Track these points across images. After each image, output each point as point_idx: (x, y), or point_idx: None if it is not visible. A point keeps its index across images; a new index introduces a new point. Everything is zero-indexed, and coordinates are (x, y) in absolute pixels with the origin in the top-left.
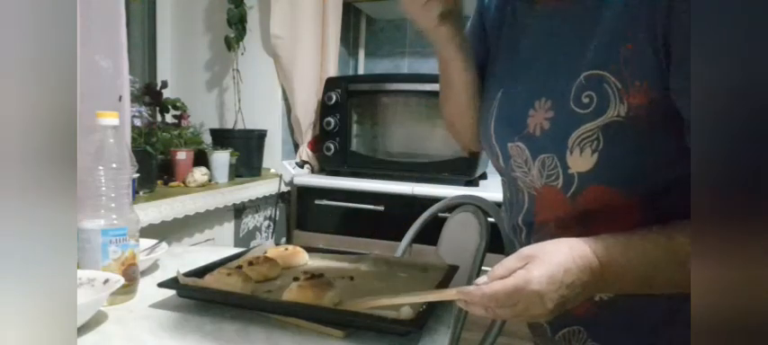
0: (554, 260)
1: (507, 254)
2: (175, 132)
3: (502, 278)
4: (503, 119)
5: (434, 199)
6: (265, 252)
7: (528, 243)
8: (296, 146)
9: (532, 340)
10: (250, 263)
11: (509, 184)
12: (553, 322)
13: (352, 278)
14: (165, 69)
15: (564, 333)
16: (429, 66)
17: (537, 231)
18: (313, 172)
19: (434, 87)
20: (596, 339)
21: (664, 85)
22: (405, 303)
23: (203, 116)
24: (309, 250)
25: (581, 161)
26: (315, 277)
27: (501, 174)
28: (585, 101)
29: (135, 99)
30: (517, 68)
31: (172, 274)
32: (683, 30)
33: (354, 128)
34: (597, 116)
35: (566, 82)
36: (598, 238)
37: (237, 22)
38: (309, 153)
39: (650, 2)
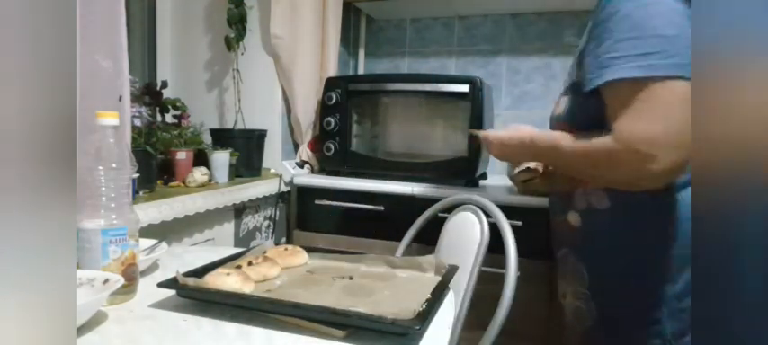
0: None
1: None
2: (175, 132)
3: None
4: None
5: (434, 199)
6: (265, 252)
7: None
8: (296, 146)
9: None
10: (249, 263)
11: None
12: (558, 245)
13: (351, 278)
14: (165, 69)
15: (562, 253)
16: (429, 66)
17: None
18: (313, 172)
19: (434, 87)
20: (578, 255)
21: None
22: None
23: (203, 116)
24: (309, 250)
25: (558, 108)
26: None
27: None
28: (571, 71)
29: (135, 99)
30: None
31: (172, 274)
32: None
33: (354, 128)
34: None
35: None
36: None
37: (237, 22)
38: (309, 153)
39: None
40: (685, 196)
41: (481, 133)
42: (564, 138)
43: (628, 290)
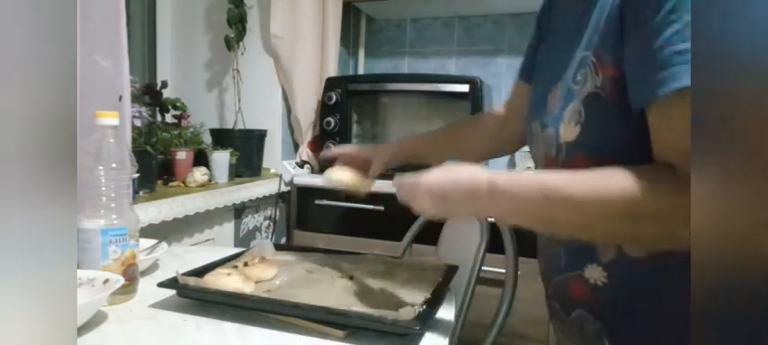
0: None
1: (538, 240)
2: (175, 132)
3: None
4: (533, 104)
5: None
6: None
7: None
8: (296, 146)
9: (551, 322)
10: (245, 264)
11: (535, 164)
12: (565, 304)
13: (351, 278)
14: (165, 69)
15: (575, 315)
16: (429, 66)
17: None
18: (313, 171)
19: (434, 87)
20: (601, 320)
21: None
22: None
23: (203, 116)
24: (309, 250)
25: (569, 131)
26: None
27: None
28: (579, 78)
29: (135, 99)
30: (549, 58)
31: (172, 274)
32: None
33: (354, 128)
34: (581, 90)
35: (569, 65)
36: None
37: (237, 22)
38: (309, 153)
39: None
40: None
41: (393, 182)
42: (572, 181)
43: None
